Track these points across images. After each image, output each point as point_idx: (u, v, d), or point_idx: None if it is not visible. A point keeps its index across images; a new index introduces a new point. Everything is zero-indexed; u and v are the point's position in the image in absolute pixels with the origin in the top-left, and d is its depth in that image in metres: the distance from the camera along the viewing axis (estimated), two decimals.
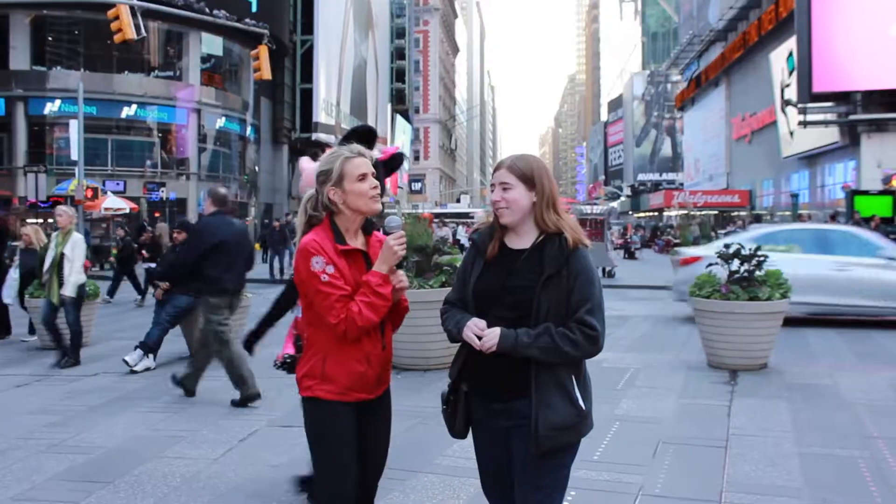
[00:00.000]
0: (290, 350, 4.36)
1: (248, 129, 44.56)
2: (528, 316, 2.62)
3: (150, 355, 8.35)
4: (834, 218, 22.20)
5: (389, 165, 4.85)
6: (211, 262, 6.77)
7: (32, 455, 5.35)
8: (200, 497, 4.51)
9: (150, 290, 15.84)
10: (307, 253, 2.78)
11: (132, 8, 20.37)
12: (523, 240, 2.74)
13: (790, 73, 34.92)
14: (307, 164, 4.45)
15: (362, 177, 2.86)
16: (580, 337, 2.59)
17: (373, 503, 3.07)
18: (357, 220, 2.91)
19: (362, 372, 2.84)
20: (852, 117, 30.18)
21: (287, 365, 4.38)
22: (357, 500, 2.95)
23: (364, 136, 4.45)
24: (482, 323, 2.64)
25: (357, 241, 2.92)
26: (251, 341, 4.69)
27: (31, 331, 10.35)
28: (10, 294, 10.58)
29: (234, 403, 6.68)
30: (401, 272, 2.89)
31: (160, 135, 38.65)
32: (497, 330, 2.59)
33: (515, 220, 2.72)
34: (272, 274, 21.72)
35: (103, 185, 31.90)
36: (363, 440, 2.94)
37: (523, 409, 2.63)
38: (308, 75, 50.81)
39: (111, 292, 16.19)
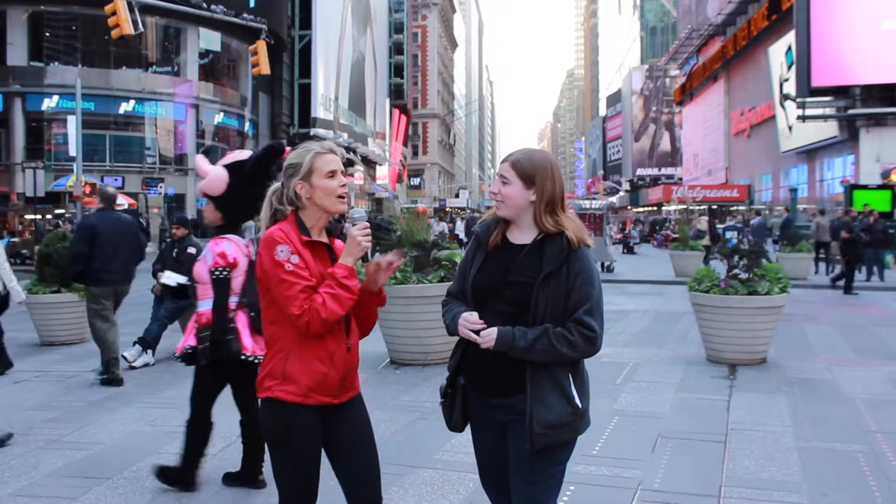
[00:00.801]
0: (192, 342, 4.38)
1: (247, 124, 44.51)
2: (526, 312, 2.61)
3: (149, 351, 8.34)
4: (822, 213, 22.17)
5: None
6: (94, 254, 7.38)
7: (31, 451, 5.34)
8: (199, 492, 4.50)
9: None
10: (272, 241, 2.69)
11: (130, 3, 20.31)
12: (524, 235, 2.73)
13: (789, 67, 34.92)
14: (205, 164, 4.50)
15: (331, 174, 2.79)
16: (578, 338, 2.58)
17: None
18: (322, 218, 2.83)
19: (324, 373, 2.73)
20: (851, 111, 30.17)
21: (188, 356, 4.42)
22: None
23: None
24: (474, 316, 2.63)
25: (321, 238, 2.85)
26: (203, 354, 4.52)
27: None
28: None
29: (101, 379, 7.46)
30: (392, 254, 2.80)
31: (158, 130, 38.59)
32: (494, 331, 2.58)
33: (510, 214, 2.72)
34: None
35: (102, 180, 31.87)
36: (343, 450, 2.85)
37: (519, 405, 2.63)
38: (306, 70, 50.74)
39: None
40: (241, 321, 4.34)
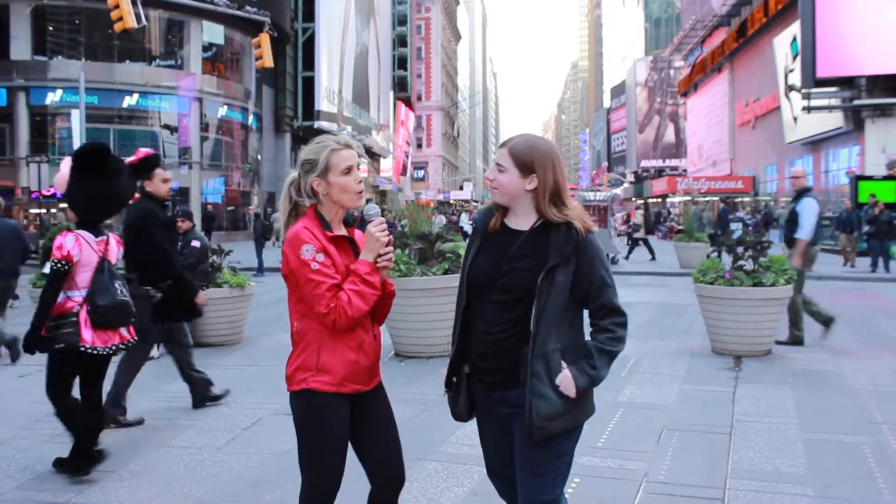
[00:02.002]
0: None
1: (251, 117, 44.46)
2: (523, 298, 2.60)
3: (155, 345, 8.33)
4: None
5: (139, 168, 5.24)
6: None
7: (36, 445, 5.36)
8: (204, 486, 4.51)
9: None
10: (298, 241, 2.72)
11: None
12: (521, 221, 2.72)
13: (794, 58, 34.74)
14: (64, 166, 4.87)
15: (347, 170, 2.80)
16: (619, 331, 2.68)
17: (396, 500, 2.98)
18: (339, 212, 2.86)
19: (355, 360, 2.79)
20: (856, 102, 30.01)
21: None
22: (381, 497, 2.93)
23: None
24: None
25: (341, 231, 2.88)
26: (32, 343, 4.63)
27: None
28: None
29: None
30: (388, 248, 2.83)
31: (162, 124, 38.54)
32: (568, 377, 2.61)
33: (504, 201, 2.71)
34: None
35: None
36: (370, 434, 2.90)
37: (518, 399, 2.63)
38: (310, 63, 50.61)
39: None
40: (84, 314, 4.52)
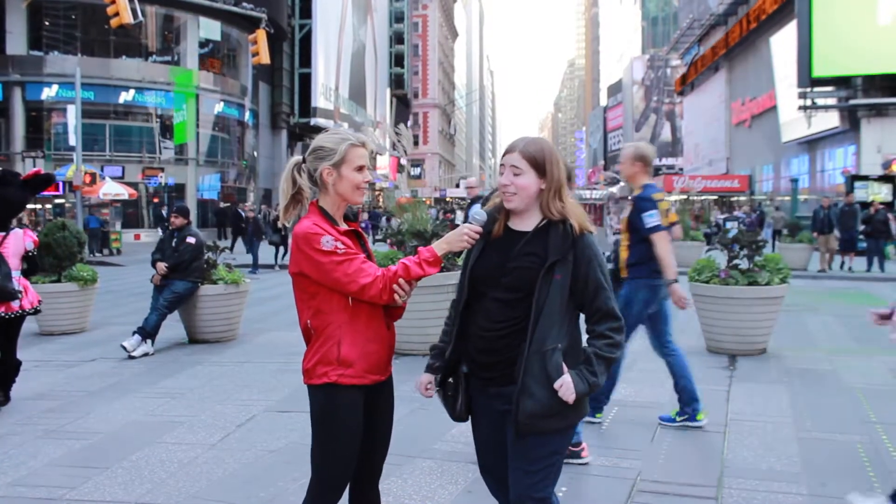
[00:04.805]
0: None
1: (247, 114, 44.33)
2: (526, 298, 2.60)
3: (149, 341, 8.33)
4: (778, 209, 22.17)
5: (31, 183, 6.26)
6: None
7: (30, 440, 5.34)
8: (198, 482, 4.50)
9: None
10: (313, 236, 2.73)
11: None
12: (526, 222, 2.73)
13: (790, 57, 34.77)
14: None
15: (360, 168, 2.86)
16: (616, 336, 2.64)
17: (377, 485, 3.07)
18: (342, 205, 2.90)
19: (373, 351, 2.84)
20: (852, 102, 30.09)
21: None
22: (364, 482, 2.98)
23: None
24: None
25: (345, 226, 2.92)
26: None
27: None
28: None
29: None
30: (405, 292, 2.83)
31: (158, 120, 38.46)
32: (569, 382, 2.57)
33: (521, 206, 2.70)
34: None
35: (101, 170, 31.79)
36: (372, 422, 2.94)
37: (514, 396, 2.63)
38: (307, 60, 50.55)
39: None
40: None
